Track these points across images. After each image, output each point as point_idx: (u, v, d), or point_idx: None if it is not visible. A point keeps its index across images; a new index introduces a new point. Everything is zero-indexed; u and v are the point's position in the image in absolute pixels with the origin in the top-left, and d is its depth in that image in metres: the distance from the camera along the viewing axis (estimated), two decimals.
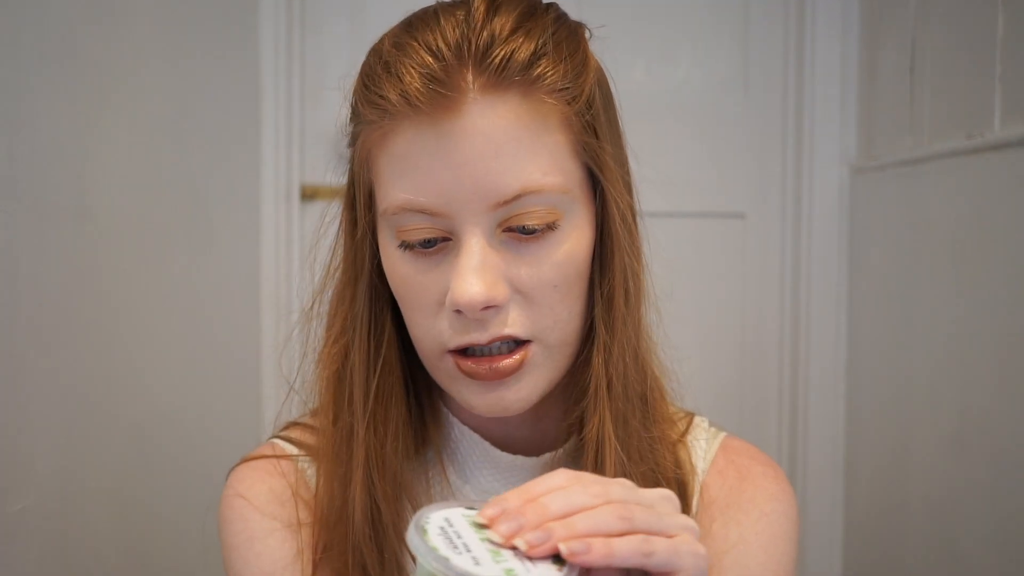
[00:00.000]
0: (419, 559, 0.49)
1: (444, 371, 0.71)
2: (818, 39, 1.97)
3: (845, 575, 1.94)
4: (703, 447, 0.82)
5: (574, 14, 0.76)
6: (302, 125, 1.98)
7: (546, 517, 0.52)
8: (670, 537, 0.54)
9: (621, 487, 0.55)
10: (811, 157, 1.99)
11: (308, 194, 1.98)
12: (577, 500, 0.53)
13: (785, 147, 2.02)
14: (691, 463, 0.80)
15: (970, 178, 1.43)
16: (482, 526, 0.53)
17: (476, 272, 0.66)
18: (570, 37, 0.71)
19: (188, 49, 1.65)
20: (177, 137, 1.61)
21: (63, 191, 1.26)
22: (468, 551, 0.50)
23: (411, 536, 0.51)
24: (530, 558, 0.51)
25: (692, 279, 2.01)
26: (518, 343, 0.69)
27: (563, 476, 0.55)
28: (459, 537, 0.51)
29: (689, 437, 0.82)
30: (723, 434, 0.84)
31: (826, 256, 1.98)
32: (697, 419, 0.84)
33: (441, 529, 0.52)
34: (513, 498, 0.53)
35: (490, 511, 0.53)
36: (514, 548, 0.51)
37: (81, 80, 1.30)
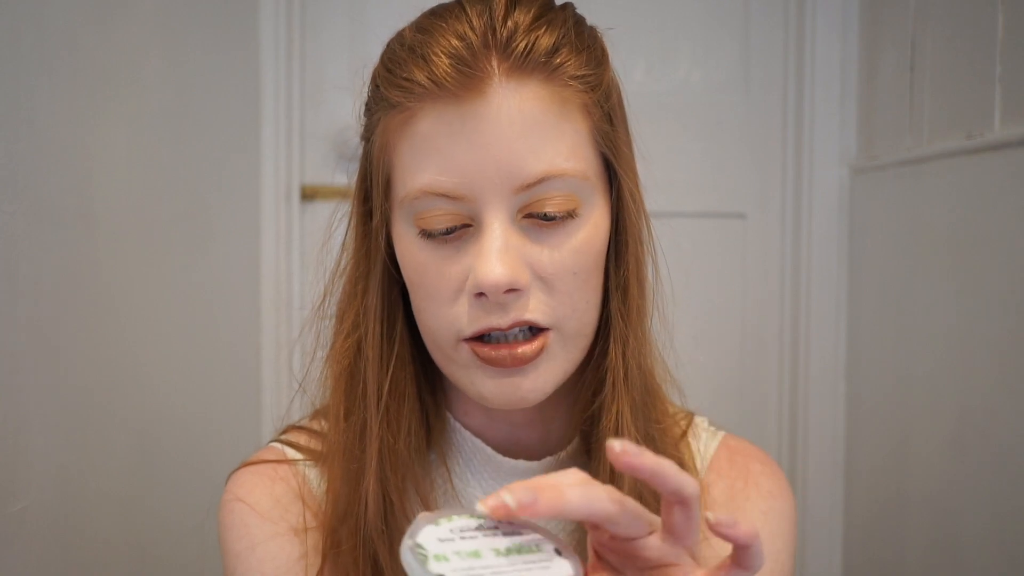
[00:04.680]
0: None
1: (458, 361, 0.70)
2: (818, 39, 1.97)
3: (845, 575, 1.94)
4: (703, 446, 0.83)
5: None
6: (302, 125, 1.98)
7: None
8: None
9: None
10: (811, 157, 1.98)
11: (308, 194, 1.98)
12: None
13: (785, 147, 2.02)
14: (691, 462, 0.81)
15: (970, 178, 1.43)
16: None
17: (500, 254, 0.66)
18: (588, 31, 0.73)
19: (188, 49, 1.65)
20: (177, 137, 1.61)
21: (63, 191, 1.25)
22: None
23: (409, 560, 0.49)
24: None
25: (692, 279, 2.00)
26: (534, 332, 0.69)
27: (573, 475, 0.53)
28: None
29: (689, 436, 0.82)
30: (722, 433, 0.85)
31: (826, 256, 1.98)
32: (697, 419, 0.85)
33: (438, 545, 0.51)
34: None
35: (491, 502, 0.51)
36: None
37: (81, 80, 1.30)
